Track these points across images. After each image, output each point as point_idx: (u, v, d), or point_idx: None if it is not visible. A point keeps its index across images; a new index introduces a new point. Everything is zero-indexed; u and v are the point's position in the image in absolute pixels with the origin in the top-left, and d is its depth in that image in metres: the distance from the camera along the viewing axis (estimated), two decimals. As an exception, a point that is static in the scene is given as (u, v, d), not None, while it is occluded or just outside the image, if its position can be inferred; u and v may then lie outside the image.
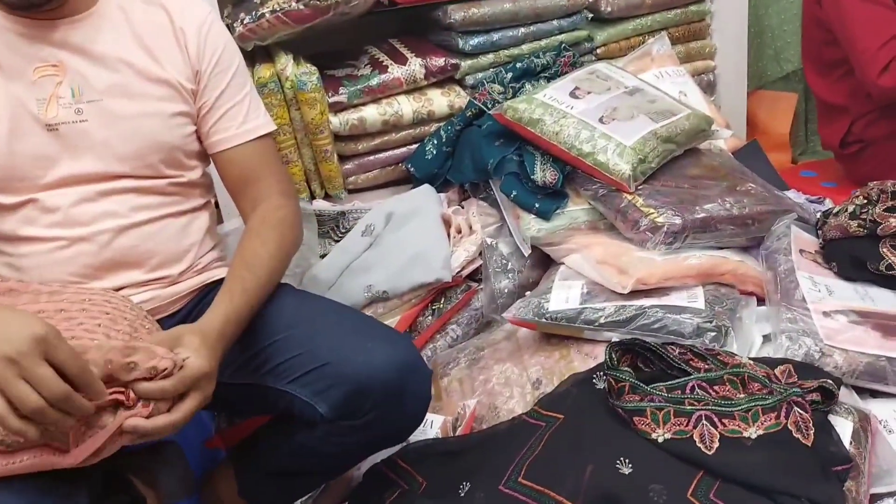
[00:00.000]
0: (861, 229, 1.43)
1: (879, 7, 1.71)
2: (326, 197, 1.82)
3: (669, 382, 1.11)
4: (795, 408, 1.04)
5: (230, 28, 1.67)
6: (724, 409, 1.05)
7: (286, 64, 1.70)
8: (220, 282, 1.17)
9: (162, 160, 1.14)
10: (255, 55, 1.78)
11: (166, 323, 1.13)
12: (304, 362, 1.05)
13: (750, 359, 1.19)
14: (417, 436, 1.21)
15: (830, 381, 1.12)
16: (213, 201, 1.26)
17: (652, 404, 1.06)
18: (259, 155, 1.21)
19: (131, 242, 1.12)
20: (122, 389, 0.85)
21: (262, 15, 1.65)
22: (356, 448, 1.12)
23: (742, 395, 1.09)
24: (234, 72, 1.20)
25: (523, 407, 1.29)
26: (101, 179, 1.11)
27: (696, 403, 1.06)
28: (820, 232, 1.52)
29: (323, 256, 1.61)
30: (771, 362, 1.19)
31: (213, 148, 1.20)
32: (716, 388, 1.10)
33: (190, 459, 1.24)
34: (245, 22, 1.66)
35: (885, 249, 1.40)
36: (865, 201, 1.49)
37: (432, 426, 1.27)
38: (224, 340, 0.99)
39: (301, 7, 1.65)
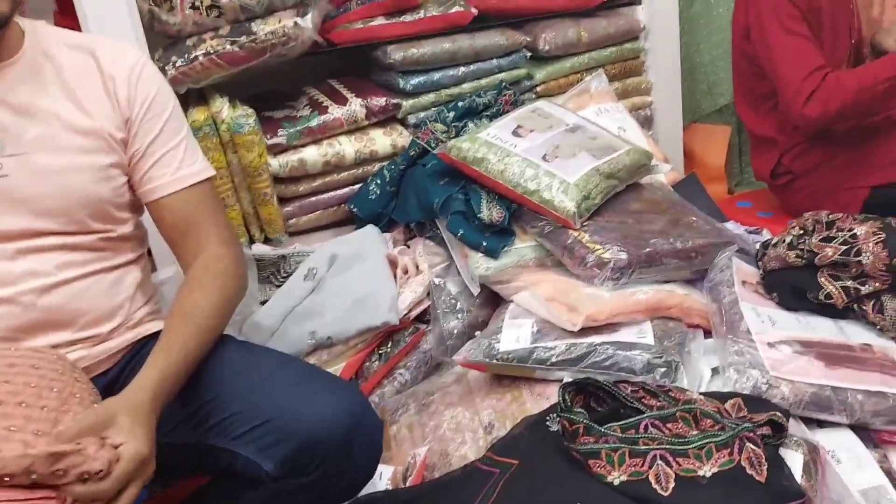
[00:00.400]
0: (799, 259, 1.46)
1: (802, 39, 1.77)
2: (266, 241, 1.78)
3: (623, 422, 1.10)
4: (748, 443, 1.04)
5: (161, 71, 1.62)
6: (678, 447, 1.04)
7: (221, 107, 1.66)
8: (154, 335, 1.12)
9: (90, 215, 1.08)
10: (189, 98, 1.74)
11: (98, 381, 1.06)
12: (248, 418, 1.00)
13: (700, 394, 1.19)
14: (367, 488, 1.16)
15: (779, 414, 1.12)
16: (146, 253, 1.20)
17: (607, 446, 1.05)
18: (196, 202, 1.16)
19: (58, 302, 1.06)
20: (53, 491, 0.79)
21: (196, 58, 1.62)
22: None
23: (695, 432, 1.08)
24: (168, 117, 1.16)
25: (475, 452, 1.26)
26: (24, 237, 1.04)
27: (650, 443, 1.05)
28: (760, 263, 1.55)
29: (264, 303, 1.56)
30: (720, 396, 1.19)
31: (147, 196, 1.15)
32: (669, 425, 1.10)
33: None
34: (177, 65, 1.62)
35: (822, 279, 1.43)
36: (802, 232, 1.53)
37: (382, 477, 1.23)
38: (160, 402, 0.94)
39: (236, 49, 1.62)
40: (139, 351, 1.13)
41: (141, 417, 0.89)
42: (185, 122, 1.20)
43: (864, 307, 1.42)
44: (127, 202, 1.14)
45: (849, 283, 1.41)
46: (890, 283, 1.39)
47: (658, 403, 1.15)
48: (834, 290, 1.42)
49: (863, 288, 1.40)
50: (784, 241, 1.53)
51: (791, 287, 1.47)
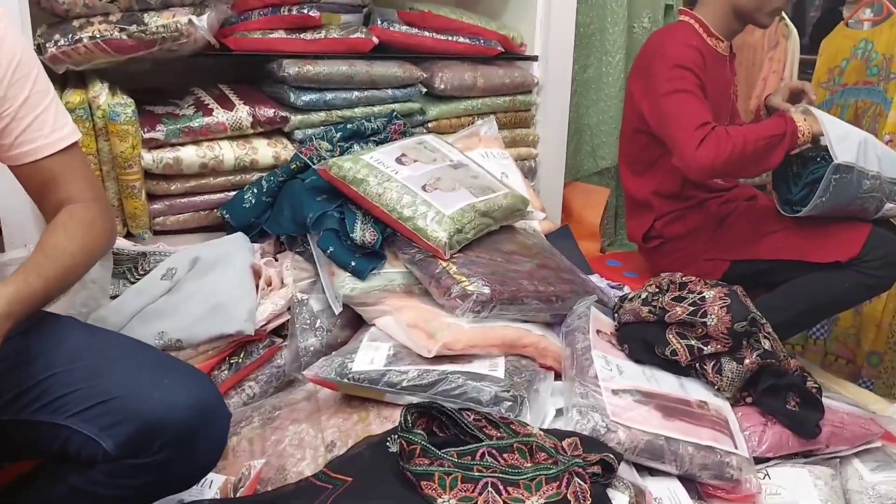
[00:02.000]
0: (651, 315, 1.53)
1: (696, 98, 1.86)
2: (128, 236, 1.70)
3: (461, 448, 1.11)
4: (576, 478, 1.07)
5: (41, 48, 1.57)
6: (510, 476, 1.06)
7: (100, 92, 1.60)
8: None
9: None
10: (67, 79, 1.67)
11: None
12: (90, 395, 0.97)
13: (541, 430, 1.22)
14: (192, 495, 1.12)
15: (612, 456, 1.16)
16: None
17: (440, 469, 1.05)
18: (68, 164, 1.15)
19: None
20: None
21: (80, 39, 1.56)
22: (137, 493, 1.01)
23: (529, 464, 1.10)
24: (35, 78, 1.12)
25: (313, 470, 1.23)
26: None
27: (484, 470, 1.06)
28: (616, 315, 1.61)
29: (115, 297, 1.49)
30: (560, 434, 1.22)
31: (16, 160, 1.12)
32: (505, 455, 1.11)
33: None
34: (59, 44, 1.56)
35: (670, 335, 1.51)
36: (657, 290, 1.60)
37: (211, 486, 1.18)
38: (9, 321, 0.94)
39: (124, 37, 1.57)
40: None
41: None
42: (50, 83, 1.16)
43: (704, 367, 1.49)
44: None
45: (693, 342, 1.49)
46: (730, 346, 1.47)
47: (498, 434, 1.17)
48: (679, 347, 1.49)
49: (706, 348, 1.48)
50: (640, 296, 1.60)
51: (642, 340, 1.53)
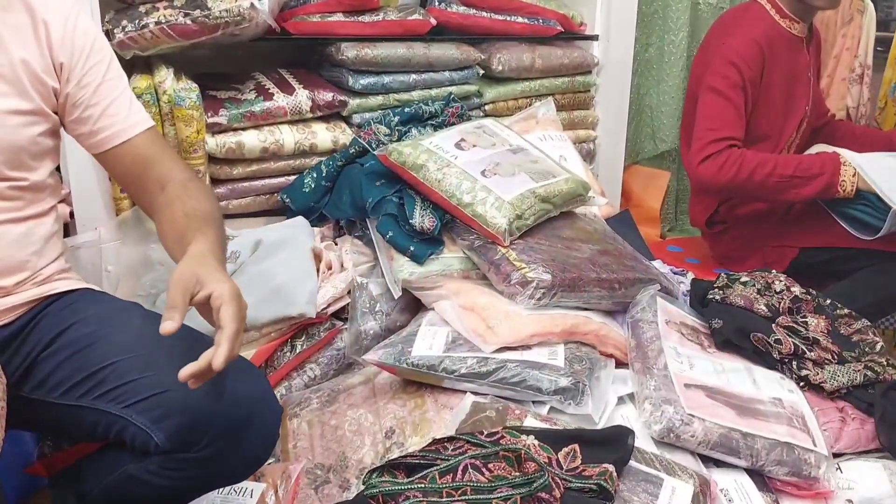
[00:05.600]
0: (767, 310, 1.50)
1: (728, 105, 1.82)
2: (193, 220, 1.73)
3: (443, 466, 1.06)
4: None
5: (110, 34, 1.59)
6: (481, 497, 1.01)
7: (165, 77, 1.63)
8: (62, 294, 1.10)
9: (3, 162, 1.04)
10: (134, 65, 1.70)
11: None
12: (145, 386, 0.97)
13: (538, 439, 1.12)
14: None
15: (608, 478, 1.08)
16: (57, 206, 1.15)
17: (406, 502, 1.01)
18: (151, 145, 1.15)
19: None
20: None
21: (146, 25, 1.58)
22: (188, 485, 1.02)
23: (517, 473, 1.04)
24: (109, 64, 1.14)
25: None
26: None
27: (453, 493, 1.02)
28: (717, 289, 1.57)
29: (180, 280, 1.51)
30: (563, 439, 1.15)
31: (99, 147, 1.13)
32: (490, 465, 1.06)
33: (6, 485, 1.11)
34: (127, 30, 1.58)
35: (778, 328, 1.47)
36: (766, 286, 1.57)
37: (252, 495, 1.16)
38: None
39: (188, 22, 1.59)
40: (45, 308, 1.09)
41: (212, 265, 0.96)
42: (123, 72, 1.17)
43: (804, 364, 1.45)
44: (44, 150, 1.10)
45: (800, 342, 1.45)
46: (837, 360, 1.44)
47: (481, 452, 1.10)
48: (784, 339, 1.45)
49: (809, 353, 1.45)
50: (753, 285, 1.56)
51: (739, 322, 1.48)
